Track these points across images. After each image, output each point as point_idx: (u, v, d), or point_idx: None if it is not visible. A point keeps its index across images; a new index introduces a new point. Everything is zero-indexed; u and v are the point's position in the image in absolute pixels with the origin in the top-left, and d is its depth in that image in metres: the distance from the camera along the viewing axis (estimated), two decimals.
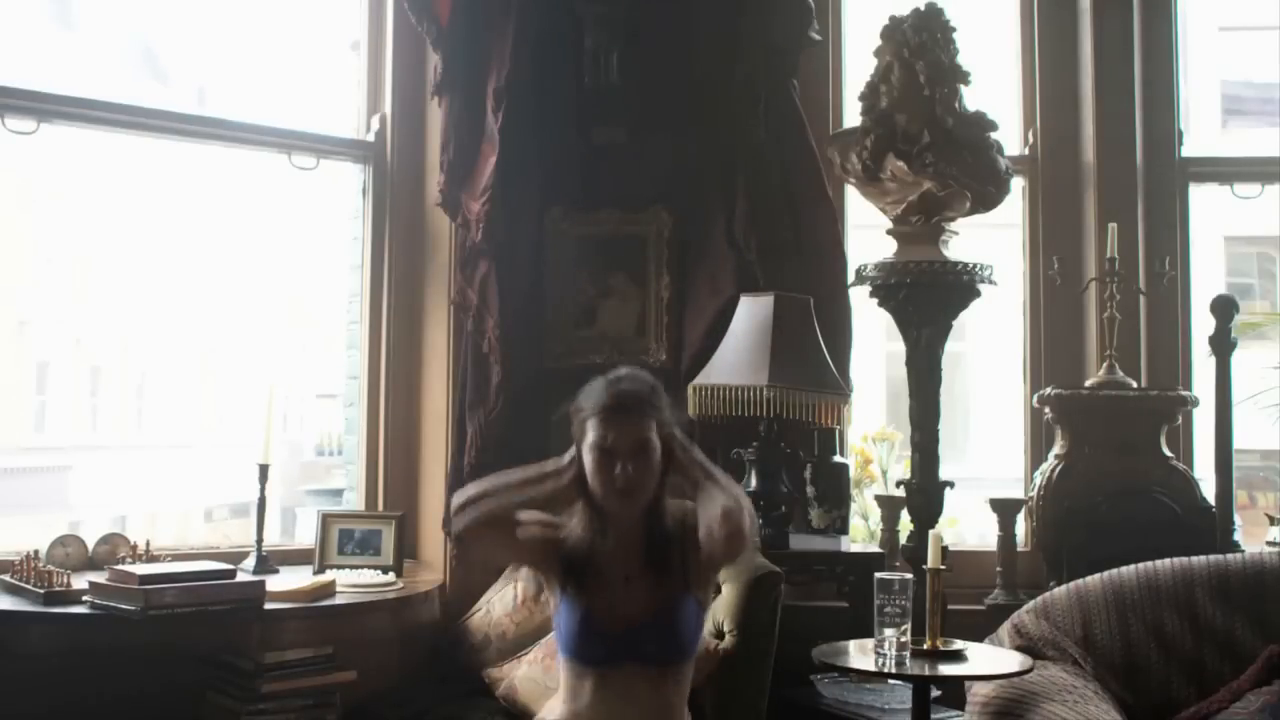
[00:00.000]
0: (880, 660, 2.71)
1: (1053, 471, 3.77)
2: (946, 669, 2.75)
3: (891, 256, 3.57)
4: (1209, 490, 3.71)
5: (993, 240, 4.00)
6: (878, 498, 4.03)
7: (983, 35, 4.01)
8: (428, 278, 4.02)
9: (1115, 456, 3.73)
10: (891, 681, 3.15)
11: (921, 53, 3.43)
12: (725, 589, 3.09)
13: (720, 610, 3.07)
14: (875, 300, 3.61)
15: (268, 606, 3.13)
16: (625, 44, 3.89)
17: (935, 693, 3.15)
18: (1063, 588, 3.10)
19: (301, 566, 3.64)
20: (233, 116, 4.01)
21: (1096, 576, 3.07)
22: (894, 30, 3.49)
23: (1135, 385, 3.83)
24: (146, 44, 15.28)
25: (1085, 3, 4.13)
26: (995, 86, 4.04)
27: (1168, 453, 3.76)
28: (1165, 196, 4.08)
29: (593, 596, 2.44)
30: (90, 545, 3.42)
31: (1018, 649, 2.95)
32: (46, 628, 2.99)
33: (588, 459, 2.42)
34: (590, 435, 2.42)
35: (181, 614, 2.97)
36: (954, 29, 3.48)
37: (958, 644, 2.80)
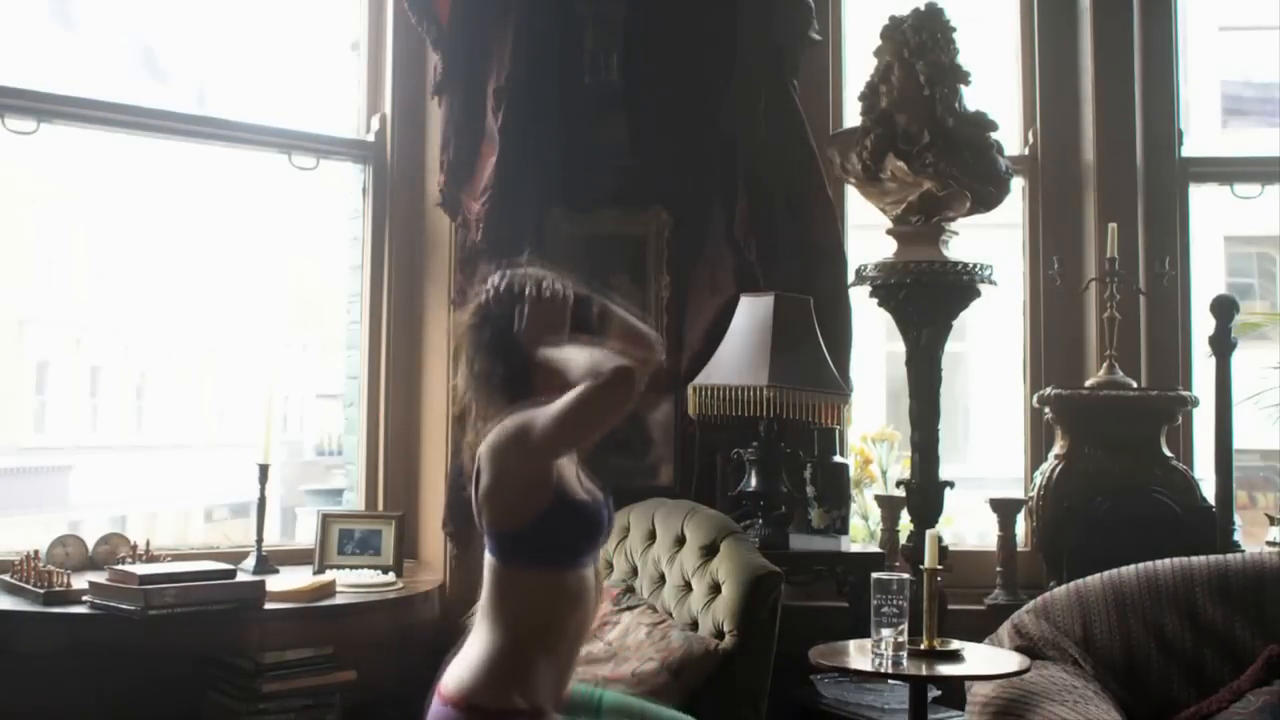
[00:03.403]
0: (876, 660, 2.71)
1: (1053, 471, 3.77)
2: (943, 669, 2.75)
3: (891, 256, 3.57)
4: (1209, 490, 3.70)
5: (993, 240, 4.00)
6: (878, 498, 4.03)
7: (983, 35, 4.01)
8: (428, 278, 4.02)
9: (1115, 456, 3.73)
10: (891, 682, 3.15)
11: (921, 53, 3.43)
12: (725, 589, 3.09)
13: (720, 610, 3.07)
14: (875, 300, 3.61)
15: (267, 606, 3.13)
16: (625, 44, 3.89)
17: (935, 693, 3.15)
18: (1063, 588, 3.10)
19: (301, 566, 3.63)
20: (233, 117, 4.01)
21: (1096, 576, 3.06)
22: (894, 30, 3.49)
23: (1135, 385, 3.83)
24: (146, 44, 15.28)
25: (1085, 3, 4.13)
26: (995, 86, 4.04)
27: (1168, 453, 3.76)
28: (1165, 196, 4.08)
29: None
30: (90, 545, 3.42)
31: (1017, 649, 2.95)
32: (46, 627, 2.98)
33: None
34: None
35: (181, 614, 2.96)
36: (954, 29, 3.47)
37: (955, 644, 2.80)
